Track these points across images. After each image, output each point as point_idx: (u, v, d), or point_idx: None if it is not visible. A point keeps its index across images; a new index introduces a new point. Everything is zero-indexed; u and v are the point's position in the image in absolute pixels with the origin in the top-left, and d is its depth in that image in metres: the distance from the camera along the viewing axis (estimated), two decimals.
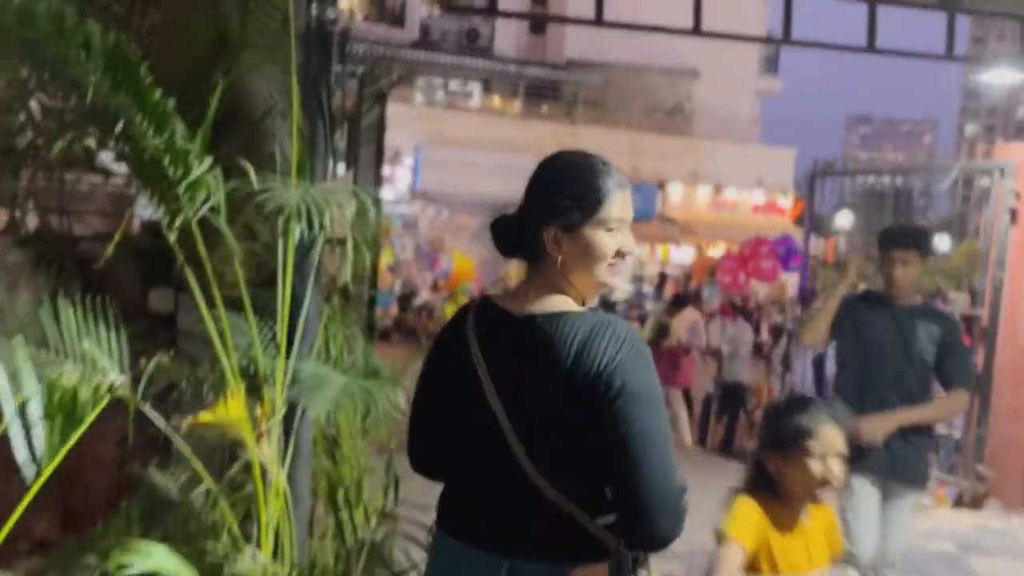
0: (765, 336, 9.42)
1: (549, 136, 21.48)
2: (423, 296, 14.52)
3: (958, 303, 16.48)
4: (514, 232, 1.60)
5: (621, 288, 1.60)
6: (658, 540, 1.48)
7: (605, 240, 1.56)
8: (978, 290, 18.49)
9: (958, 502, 5.73)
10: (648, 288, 20.59)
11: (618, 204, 1.57)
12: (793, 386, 7.65)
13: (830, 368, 7.78)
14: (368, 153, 3.85)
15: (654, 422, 1.47)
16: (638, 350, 1.49)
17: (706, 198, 22.87)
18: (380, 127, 4.21)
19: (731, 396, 8.62)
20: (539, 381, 1.51)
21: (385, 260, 15.09)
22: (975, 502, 5.58)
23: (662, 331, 8.63)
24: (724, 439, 8.64)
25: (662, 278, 20.65)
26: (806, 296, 7.62)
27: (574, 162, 1.59)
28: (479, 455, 1.58)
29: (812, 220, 7.52)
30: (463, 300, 14.39)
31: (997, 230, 5.72)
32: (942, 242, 28.34)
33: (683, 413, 8.54)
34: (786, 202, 23.75)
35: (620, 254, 1.58)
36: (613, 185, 1.57)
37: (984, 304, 5.87)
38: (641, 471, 1.44)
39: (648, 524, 1.47)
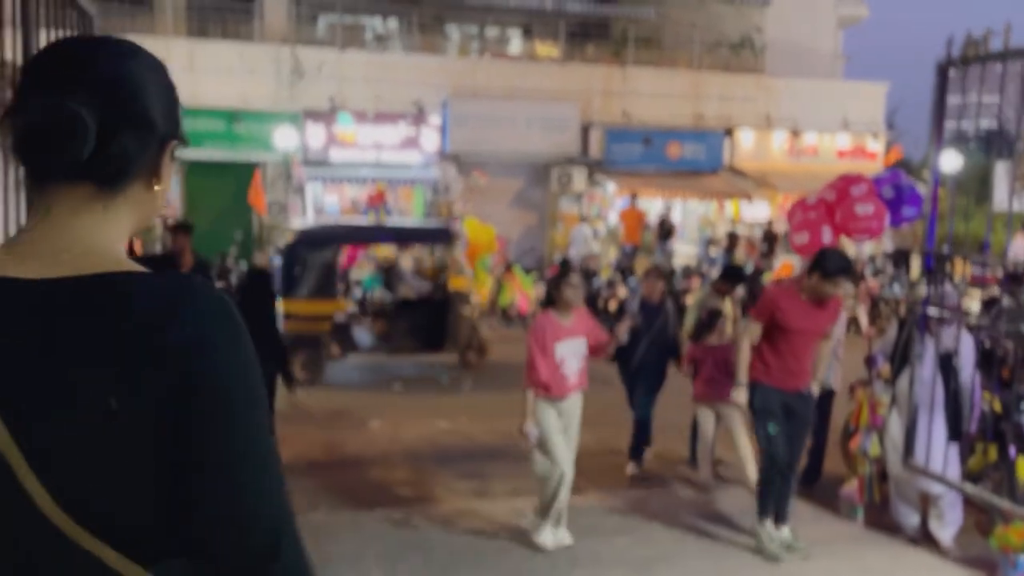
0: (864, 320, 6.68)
1: (596, 81, 18.81)
2: None
3: None
4: (91, 137, 1.02)
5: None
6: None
7: None
8: None
9: None
10: (716, 252, 17.81)
11: None
12: (917, 403, 4.98)
13: (966, 372, 5.05)
14: None
15: (253, 432, 1.01)
16: (233, 326, 1.04)
17: (782, 145, 19.78)
18: None
19: (817, 410, 5.98)
20: (86, 387, 0.96)
21: None
22: None
23: (711, 319, 6.03)
24: (807, 470, 6.04)
25: (732, 239, 17.81)
26: (932, 264, 4.92)
27: (156, 58, 1.14)
28: None
29: (940, 143, 4.76)
30: (484, 276, 11.98)
31: None
32: None
33: (744, 439, 5.94)
34: (876, 145, 20.43)
35: None
36: None
37: None
38: (229, 505, 0.98)
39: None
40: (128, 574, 0.99)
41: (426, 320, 9.86)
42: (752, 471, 6.00)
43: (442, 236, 10.40)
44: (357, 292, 12.82)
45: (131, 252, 6.48)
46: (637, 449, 6.34)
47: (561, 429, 4.91)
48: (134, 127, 1.06)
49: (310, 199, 17.54)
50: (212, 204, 16.74)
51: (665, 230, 17.19)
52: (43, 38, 2.88)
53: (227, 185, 16.53)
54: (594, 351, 5.07)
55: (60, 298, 0.99)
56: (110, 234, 1.07)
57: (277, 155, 16.68)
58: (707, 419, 6.03)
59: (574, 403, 5.00)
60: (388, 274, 11.05)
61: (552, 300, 4.97)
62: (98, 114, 1.02)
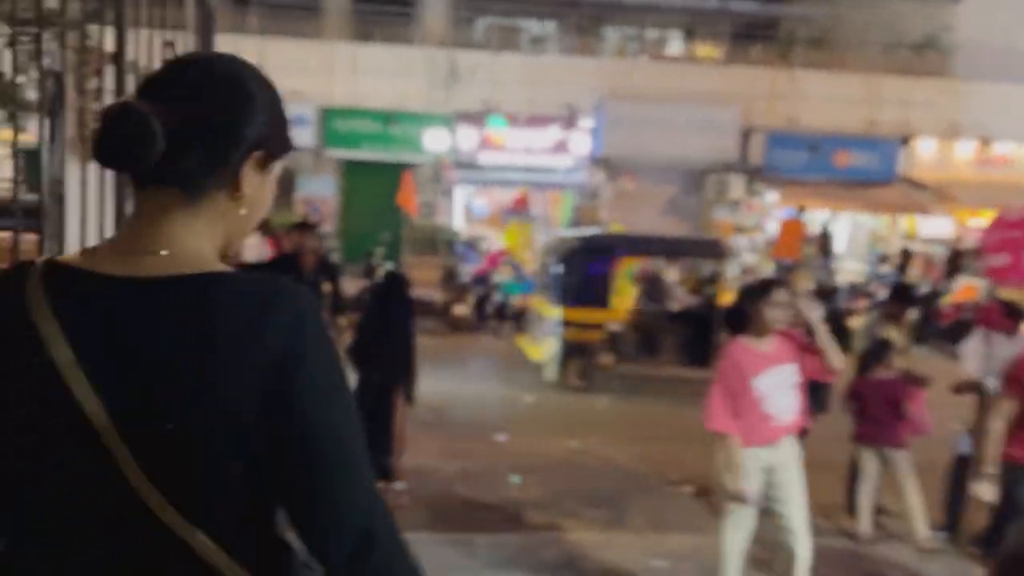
0: None
1: (760, 84, 17.81)
2: None
3: None
4: (156, 141, 1.06)
5: None
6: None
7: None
8: None
9: None
10: (887, 269, 16.43)
11: None
12: None
13: None
14: None
15: (339, 435, 1.07)
16: (326, 333, 1.09)
17: (968, 155, 18.00)
18: None
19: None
20: (185, 385, 1.02)
21: (509, 239, 12.50)
22: None
23: (880, 350, 5.28)
24: (991, 530, 5.16)
25: (905, 256, 16.39)
26: None
27: (262, 73, 1.18)
28: (72, 509, 1.05)
29: None
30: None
31: None
32: None
33: (913, 488, 5.15)
34: None
35: None
36: None
37: None
38: (318, 506, 1.06)
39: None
40: (221, 566, 1.04)
41: (693, 334, 9.70)
42: (921, 526, 5.22)
43: (714, 249, 10.20)
44: (496, 296, 12.65)
45: (294, 250, 6.45)
46: None
47: (760, 496, 3.86)
48: (213, 138, 1.09)
49: (459, 202, 17.62)
50: (366, 203, 17.13)
51: (826, 244, 15.98)
52: (154, 33, 2.68)
53: (381, 185, 16.85)
54: (813, 371, 3.97)
55: (162, 297, 1.05)
56: (197, 237, 1.11)
57: (429, 156, 16.85)
58: (870, 463, 5.28)
59: (786, 452, 3.91)
60: (651, 285, 10.79)
61: (744, 323, 3.92)
62: (176, 122, 1.06)
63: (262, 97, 1.14)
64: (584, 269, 9.32)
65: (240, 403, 1.02)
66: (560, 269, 9.53)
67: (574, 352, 9.22)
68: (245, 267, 7.40)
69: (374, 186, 16.94)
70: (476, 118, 16.83)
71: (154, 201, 1.11)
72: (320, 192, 17.07)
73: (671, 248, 10.93)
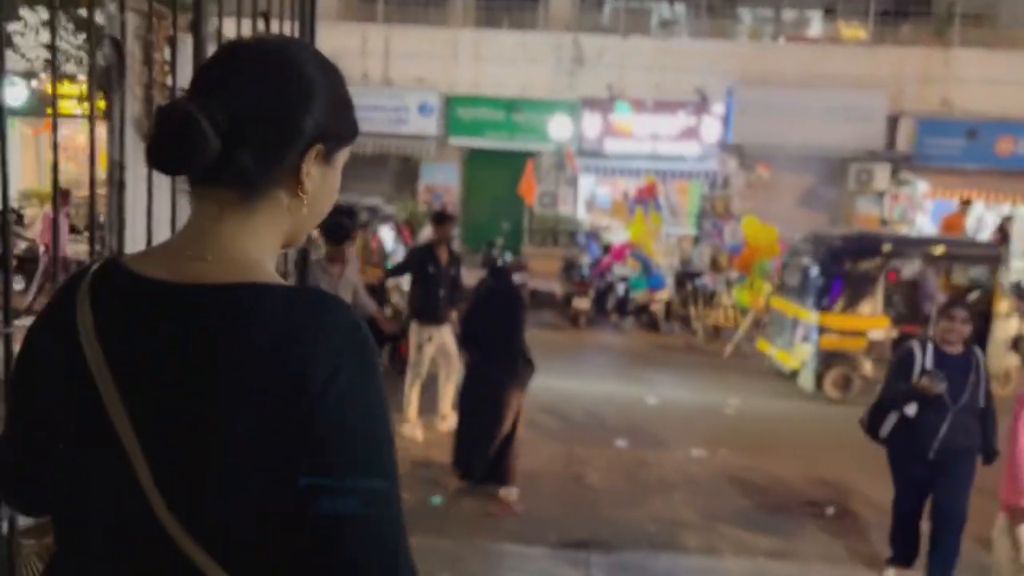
0: None
1: (911, 65, 16.44)
2: (705, 278, 11.08)
3: None
4: (208, 142, 1.00)
5: None
6: None
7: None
8: None
9: None
10: None
11: None
12: None
13: None
14: None
15: (380, 475, 0.99)
16: (365, 357, 1.01)
17: None
18: None
19: None
20: (204, 394, 0.97)
21: (635, 231, 11.90)
22: None
23: None
24: None
25: None
26: None
27: (322, 56, 1.12)
28: (97, 510, 1.04)
29: None
30: (761, 284, 10.73)
31: None
32: None
33: None
34: None
35: None
36: None
37: None
38: (354, 545, 0.98)
39: None
40: None
41: None
42: None
43: (991, 254, 9.56)
44: (620, 290, 12.15)
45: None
46: (941, 567, 4.43)
47: None
48: (269, 133, 1.03)
49: (582, 191, 17.18)
50: (488, 193, 16.95)
51: (1005, 239, 14.35)
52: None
53: (503, 175, 16.62)
54: None
55: (194, 304, 1.01)
56: (253, 240, 1.07)
57: (552, 145, 16.49)
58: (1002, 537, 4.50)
59: None
60: (913, 290, 9.69)
61: None
62: (229, 118, 1.00)
63: (322, 81, 1.07)
64: (846, 271, 8.67)
65: (258, 421, 0.95)
66: (817, 270, 8.87)
67: (833, 360, 8.61)
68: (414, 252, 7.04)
69: (496, 175, 16.74)
70: (602, 104, 16.33)
71: (209, 202, 1.06)
72: (443, 180, 17.02)
73: (945, 250, 9.72)
